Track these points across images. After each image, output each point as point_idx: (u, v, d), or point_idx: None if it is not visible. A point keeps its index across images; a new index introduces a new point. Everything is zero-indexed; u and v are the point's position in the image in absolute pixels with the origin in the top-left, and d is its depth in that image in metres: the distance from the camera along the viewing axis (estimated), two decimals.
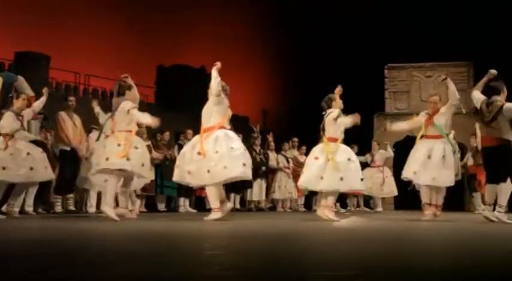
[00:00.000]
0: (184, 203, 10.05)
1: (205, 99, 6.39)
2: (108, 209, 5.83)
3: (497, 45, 13.18)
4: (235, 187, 10.98)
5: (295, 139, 12.22)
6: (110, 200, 5.94)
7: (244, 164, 5.99)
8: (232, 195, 10.82)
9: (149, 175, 7.55)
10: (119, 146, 5.84)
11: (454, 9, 14.38)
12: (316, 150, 6.64)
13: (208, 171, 5.89)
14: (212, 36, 15.57)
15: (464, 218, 8.06)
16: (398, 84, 15.03)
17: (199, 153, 5.97)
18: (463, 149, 10.71)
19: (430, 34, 14.44)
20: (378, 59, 14.50)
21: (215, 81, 6.07)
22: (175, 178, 6.33)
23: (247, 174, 6.17)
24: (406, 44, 14.38)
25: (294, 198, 11.92)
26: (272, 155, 11.65)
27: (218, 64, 6.07)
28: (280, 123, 10.69)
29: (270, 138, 11.87)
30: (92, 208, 8.57)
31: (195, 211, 10.04)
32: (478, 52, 13.57)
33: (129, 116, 6.01)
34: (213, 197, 6.18)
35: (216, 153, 5.90)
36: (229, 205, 6.37)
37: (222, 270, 2.19)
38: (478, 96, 6.34)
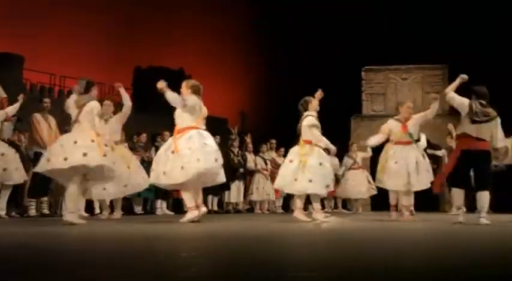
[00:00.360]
0: (161, 206, 9.98)
1: None
2: (70, 216, 5.58)
3: (472, 49, 13.41)
4: (213, 189, 10.96)
5: (273, 141, 12.24)
6: (73, 206, 5.70)
7: (216, 160, 6.00)
8: (210, 197, 10.78)
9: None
10: (93, 142, 5.66)
11: (430, 13, 14.60)
12: (292, 152, 6.74)
13: (182, 167, 5.87)
14: (191, 39, 15.52)
15: (441, 218, 8.17)
16: (375, 87, 15.18)
17: (173, 152, 5.98)
18: (434, 148, 10.87)
19: (406, 37, 14.62)
20: (355, 61, 14.62)
21: (172, 98, 6.03)
22: (152, 179, 6.34)
23: (216, 170, 6.14)
24: (383, 46, 14.54)
25: (271, 200, 11.94)
26: (250, 156, 11.65)
27: (161, 85, 6.01)
28: (259, 125, 10.71)
29: (248, 140, 11.87)
30: (80, 212, 8.47)
31: (172, 213, 9.97)
32: (452, 55, 13.77)
33: (93, 116, 5.87)
34: (187, 196, 6.20)
35: (189, 149, 5.90)
36: (203, 210, 6.32)
37: (199, 272, 2.17)
38: (460, 98, 6.17)
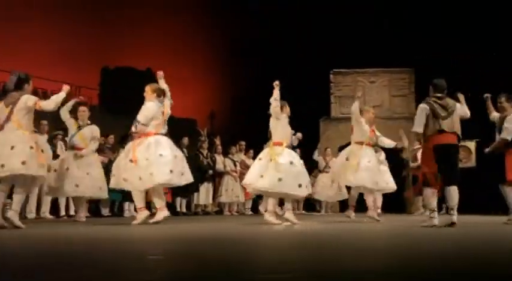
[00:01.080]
0: (129, 208, 9.85)
1: None
2: (14, 215, 5.29)
3: (437, 53, 13.66)
4: (181, 191, 10.88)
5: (243, 143, 12.24)
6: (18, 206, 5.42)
7: (171, 171, 6.02)
8: (178, 199, 10.72)
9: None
10: (32, 149, 5.33)
11: (398, 18, 14.83)
12: (262, 153, 6.73)
13: (140, 178, 6.00)
14: (159, 39, 15.39)
15: (410, 220, 8.30)
16: (343, 89, 15.33)
17: (131, 160, 6.04)
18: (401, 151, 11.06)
19: (374, 41, 14.81)
20: (323, 64, 14.74)
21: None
22: (112, 185, 6.46)
23: (174, 181, 6.20)
24: (351, 50, 14.69)
25: (241, 201, 11.92)
26: (219, 158, 11.62)
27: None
28: (228, 127, 10.69)
29: (217, 141, 11.84)
30: (31, 214, 8.30)
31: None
32: (418, 59, 14.02)
33: (31, 114, 5.55)
34: (137, 197, 6.31)
35: (146, 160, 5.98)
36: (164, 214, 6.29)
37: (165, 275, 2.15)
38: (418, 115, 6.05)
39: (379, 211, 8.16)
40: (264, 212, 6.75)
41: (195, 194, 11.04)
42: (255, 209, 12.41)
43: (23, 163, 5.24)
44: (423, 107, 5.98)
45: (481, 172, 11.27)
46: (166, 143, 6.17)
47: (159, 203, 6.29)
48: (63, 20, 14.14)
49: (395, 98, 15.24)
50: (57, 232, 5.20)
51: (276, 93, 6.53)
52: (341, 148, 13.30)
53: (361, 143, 7.61)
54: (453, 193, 5.86)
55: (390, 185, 8.53)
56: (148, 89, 6.35)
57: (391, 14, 14.86)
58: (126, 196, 9.40)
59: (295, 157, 6.63)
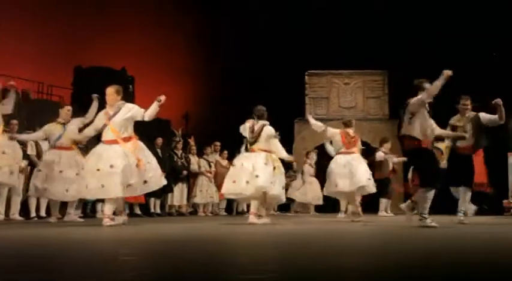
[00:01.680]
0: (102, 209, 9.73)
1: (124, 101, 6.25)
2: None
3: (411, 55, 13.86)
4: (155, 192, 10.78)
5: (218, 143, 12.20)
6: None
7: (121, 183, 5.84)
8: (152, 200, 10.63)
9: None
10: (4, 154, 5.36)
11: (371, 20, 14.98)
12: (264, 158, 6.73)
13: (86, 186, 5.95)
14: (134, 38, 15.25)
15: (385, 220, 8.40)
16: (318, 91, 15.44)
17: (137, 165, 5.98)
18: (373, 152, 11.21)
19: (348, 43, 14.94)
20: (298, 65, 14.81)
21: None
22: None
23: (121, 193, 5.98)
24: (326, 51, 14.79)
25: (215, 202, 11.89)
26: (194, 159, 11.56)
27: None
28: (202, 128, 10.65)
29: (192, 142, 11.78)
30: (0, 215, 8.14)
31: (113, 216, 9.74)
32: (392, 61, 14.20)
33: None
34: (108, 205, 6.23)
35: (97, 171, 5.85)
36: (122, 219, 6.30)
37: (137, 275, 2.13)
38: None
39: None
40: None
41: (169, 194, 10.97)
42: (229, 210, 12.40)
43: None
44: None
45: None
46: (118, 151, 5.98)
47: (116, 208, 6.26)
48: (35, 19, 13.90)
49: (369, 100, 15.41)
50: (28, 233, 5.11)
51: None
52: (316, 149, 13.46)
53: (341, 153, 8.19)
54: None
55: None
56: (113, 92, 6.21)
57: (365, 17, 15.01)
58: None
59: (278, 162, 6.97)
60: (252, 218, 6.64)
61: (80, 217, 9.13)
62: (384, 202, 11.25)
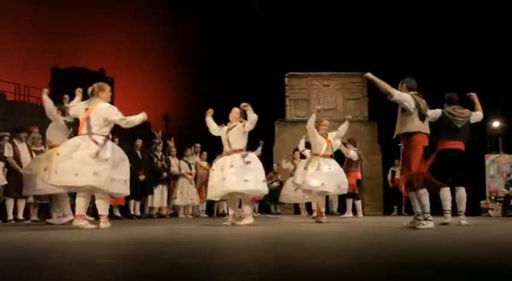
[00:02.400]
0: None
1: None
2: None
3: (390, 58, 14.01)
4: (135, 193, 10.70)
5: (198, 145, 12.15)
6: None
7: (76, 175, 5.69)
8: (132, 202, 10.54)
9: None
10: None
11: (351, 23, 15.11)
12: (252, 157, 6.91)
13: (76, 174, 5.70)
14: (112, 40, 15.12)
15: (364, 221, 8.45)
16: (298, 92, 15.50)
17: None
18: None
19: (328, 45, 15.04)
20: (278, 67, 14.86)
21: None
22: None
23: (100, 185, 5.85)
24: (305, 53, 14.87)
25: (195, 204, 11.84)
26: (174, 161, 11.50)
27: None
28: (182, 129, 10.58)
29: (172, 144, 11.72)
30: None
31: (92, 218, 9.64)
32: (371, 64, 14.32)
33: None
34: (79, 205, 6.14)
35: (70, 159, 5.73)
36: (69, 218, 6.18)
37: (115, 279, 2.10)
38: (404, 93, 5.97)
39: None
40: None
41: (149, 196, 10.89)
42: (209, 211, 12.37)
43: None
44: (409, 95, 5.88)
45: None
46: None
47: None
48: (10, 20, 13.69)
49: (348, 101, 15.51)
50: (3, 237, 5.01)
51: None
52: (296, 150, 13.53)
53: (317, 155, 8.11)
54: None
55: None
56: (107, 90, 6.14)
57: (345, 20, 15.13)
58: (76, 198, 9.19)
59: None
60: (233, 220, 6.72)
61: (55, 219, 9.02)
62: (357, 203, 11.33)
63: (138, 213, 10.72)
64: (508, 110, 13.46)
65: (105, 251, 3.45)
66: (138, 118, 6.21)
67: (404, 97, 5.84)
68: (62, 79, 15.95)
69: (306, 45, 14.84)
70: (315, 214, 8.43)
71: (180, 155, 11.80)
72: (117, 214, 10.34)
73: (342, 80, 15.52)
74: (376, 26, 14.66)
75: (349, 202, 11.22)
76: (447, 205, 6.71)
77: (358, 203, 11.33)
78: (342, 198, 11.42)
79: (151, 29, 16.51)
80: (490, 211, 12.68)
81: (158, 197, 11.01)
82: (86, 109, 5.97)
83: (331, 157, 8.33)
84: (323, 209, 8.14)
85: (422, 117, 5.83)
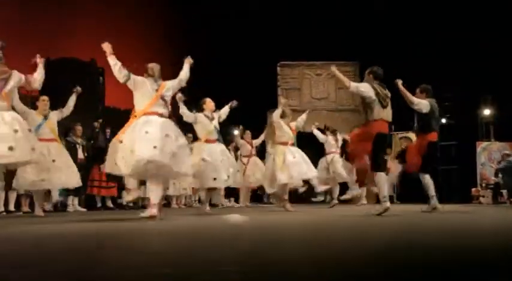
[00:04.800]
0: (73, 202, 9.59)
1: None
2: None
3: (382, 47, 13.98)
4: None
5: (190, 135, 12.10)
6: None
7: (155, 147, 5.49)
8: (124, 192, 10.50)
9: None
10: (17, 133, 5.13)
11: (343, 11, 15.04)
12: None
13: (123, 157, 5.57)
14: (104, 30, 15.00)
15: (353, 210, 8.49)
16: (290, 82, 15.46)
17: (120, 141, 5.63)
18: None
19: (320, 34, 14.97)
20: (270, 56, 14.78)
21: (114, 69, 5.81)
22: (107, 169, 6.07)
23: (158, 158, 5.56)
24: (298, 42, 14.80)
25: (188, 194, 11.84)
26: None
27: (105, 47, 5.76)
28: (175, 120, 10.53)
29: None
30: None
31: (84, 210, 9.62)
32: (363, 53, 14.30)
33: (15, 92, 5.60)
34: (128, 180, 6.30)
35: (130, 140, 5.56)
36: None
37: (120, 269, 2.10)
38: (362, 85, 6.33)
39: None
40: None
41: (142, 187, 10.86)
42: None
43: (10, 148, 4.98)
44: (368, 85, 6.18)
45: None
46: (157, 122, 5.67)
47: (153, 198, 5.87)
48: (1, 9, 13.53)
49: (341, 91, 15.48)
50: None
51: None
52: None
53: (286, 143, 8.37)
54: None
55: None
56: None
57: (337, 8, 15.07)
58: (70, 190, 9.15)
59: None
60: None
61: (47, 211, 9.00)
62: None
63: (131, 204, 10.70)
64: (499, 98, 13.52)
65: (92, 242, 3.44)
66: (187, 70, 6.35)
67: (360, 88, 6.24)
68: (53, 70, 15.78)
69: (298, 34, 14.77)
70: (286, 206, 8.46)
71: None
72: (110, 204, 10.33)
73: None
74: (370, 14, 14.62)
75: (364, 190, 10.99)
76: (432, 189, 6.87)
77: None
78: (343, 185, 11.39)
79: (143, 18, 16.38)
80: (481, 198, 12.78)
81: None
82: (156, 89, 5.89)
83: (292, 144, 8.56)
84: (286, 197, 8.38)
85: (383, 106, 6.13)
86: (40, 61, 5.65)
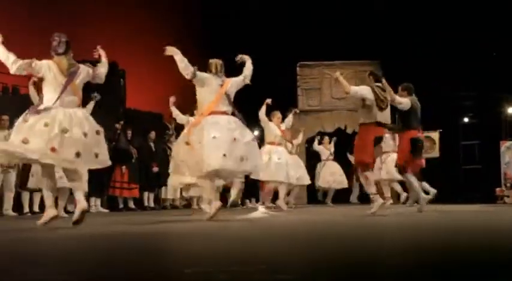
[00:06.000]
0: (95, 203, 9.70)
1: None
2: None
3: (403, 46, 13.85)
4: (149, 185, 10.79)
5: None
6: None
7: (224, 155, 5.41)
8: (146, 193, 10.63)
9: None
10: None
11: (364, 10, 14.93)
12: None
13: (197, 163, 5.45)
14: (124, 32, 15.16)
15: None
16: (310, 82, 15.41)
17: (187, 143, 5.56)
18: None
19: (340, 33, 14.89)
20: (290, 56, 14.75)
21: (180, 66, 5.69)
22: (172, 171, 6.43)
23: (228, 166, 5.50)
24: (318, 42, 14.74)
25: None
26: None
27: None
28: None
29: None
30: (8, 211, 8.16)
31: (107, 210, 9.73)
32: (384, 52, 14.19)
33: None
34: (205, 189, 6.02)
35: (199, 143, 5.45)
36: (216, 205, 5.58)
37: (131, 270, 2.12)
38: (361, 88, 6.57)
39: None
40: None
41: (163, 188, 10.95)
42: (223, 201, 12.39)
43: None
44: (368, 88, 6.38)
45: (444, 162, 11.48)
46: (224, 124, 5.52)
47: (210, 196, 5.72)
48: (21, 12, 13.75)
49: None
50: (21, 228, 5.08)
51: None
52: (308, 140, 13.50)
53: (273, 143, 8.66)
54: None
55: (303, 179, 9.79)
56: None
57: (358, 7, 14.97)
58: (92, 191, 9.26)
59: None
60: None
61: (71, 212, 9.10)
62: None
63: (152, 205, 10.80)
64: None
65: (112, 243, 3.48)
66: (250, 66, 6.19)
67: (360, 92, 6.46)
68: None
69: (317, 34, 14.70)
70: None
71: None
72: (132, 205, 10.43)
73: (354, 69, 15.39)
74: (391, 12, 14.48)
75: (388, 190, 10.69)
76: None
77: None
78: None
79: (163, 19, 16.50)
80: (505, 198, 12.57)
81: (172, 188, 11.06)
82: (221, 85, 5.74)
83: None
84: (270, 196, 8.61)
85: (381, 108, 6.36)
86: (102, 53, 5.27)
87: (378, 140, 6.48)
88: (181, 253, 2.76)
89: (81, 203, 4.63)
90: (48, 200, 4.67)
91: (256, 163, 5.74)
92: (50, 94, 4.67)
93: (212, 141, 5.34)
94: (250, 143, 5.61)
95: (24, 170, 8.24)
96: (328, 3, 15.26)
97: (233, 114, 5.76)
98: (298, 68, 15.38)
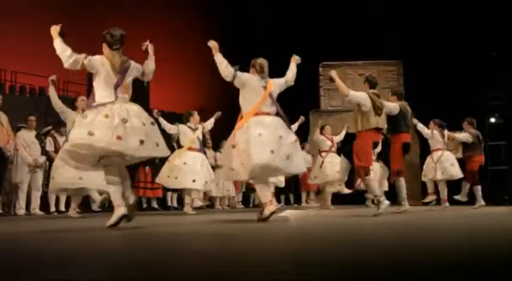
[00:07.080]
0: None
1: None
2: None
3: (425, 45, 13.71)
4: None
5: None
6: None
7: (272, 152, 5.30)
8: (169, 193, 10.70)
9: None
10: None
11: (386, 10, 14.82)
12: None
13: (242, 164, 5.33)
14: (147, 34, 15.33)
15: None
16: (332, 82, 15.33)
17: (233, 146, 5.46)
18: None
19: (362, 33, 14.81)
20: (312, 57, 14.72)
21: (220, 67, 5.57)
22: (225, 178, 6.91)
23: (275, 163, 5.33)
24: (340, 42, 14.68)
25: (231, 195, 11.93)
26: (210, 152, 11.57)
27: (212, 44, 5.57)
28: (219, 121, 10.63)
29: (207, 136, 11.79)
30: (21, 210, 8.26)
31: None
32: (407, 51, 14.06)
33: None
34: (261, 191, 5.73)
35: (244, 143, 5.34)
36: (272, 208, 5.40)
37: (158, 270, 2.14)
38: (360, 94, 6.67)
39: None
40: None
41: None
42: (245, 202, 12.45)
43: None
44: (365, 94, 6.57)
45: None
46: (269, 123, 5.40)
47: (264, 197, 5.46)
48: (47, 15, 14.00)
49: (384, 90, 15.18)
50: (47, 227, 5.17)
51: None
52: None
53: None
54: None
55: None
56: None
57: (380, 7, 14.85)
58: None
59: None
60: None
61: (96, 211, 9.26)
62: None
63: (175, 205, 10.88)
64: None
65: (134, 244, 3.52)
66: (295, 69, 6.20)
67: (357, 99, 6.61)
68: None
69: (340, 34, 14.64)
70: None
71: (216, 147, 11.88)
72: (155, 205, 10.53)
73: (377, 69, 15.28)
74: (413, 12, 14.34)
75: (477, 189, 9.42)
76: (404, 193, 7.23)
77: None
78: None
79: (186, 21, 16.60)
80: None
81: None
82: (264, 87, 5.62)
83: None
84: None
85: (378, 114, 6.57)
86: (151, 48, 5.09)
87: (375, 144, 6.70)
88: (213, 253, 2.78)
89: (130, 198, 4.66)
90: (116, 197, 4.56)
91: (300, 164, 5.61)
92: (102, 92, 4.53)
93: (258, 138, 5.25)
94: (293, 144, 5.50)
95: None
96: (351, 3, 15.19)
97: (277, 114, 5.64)
98: (320, 69, 15.33)
